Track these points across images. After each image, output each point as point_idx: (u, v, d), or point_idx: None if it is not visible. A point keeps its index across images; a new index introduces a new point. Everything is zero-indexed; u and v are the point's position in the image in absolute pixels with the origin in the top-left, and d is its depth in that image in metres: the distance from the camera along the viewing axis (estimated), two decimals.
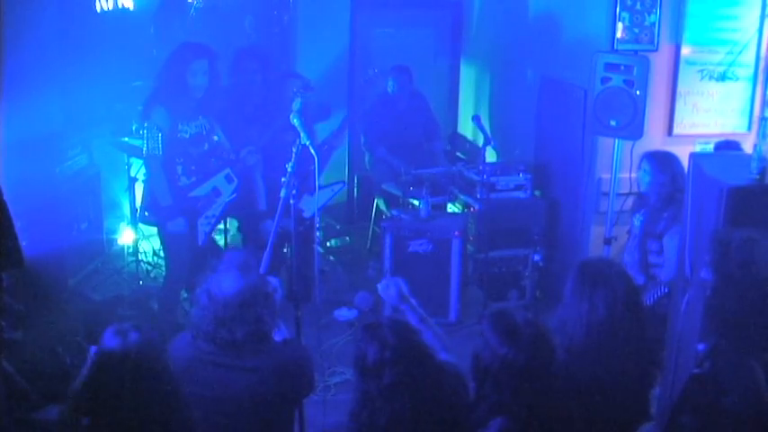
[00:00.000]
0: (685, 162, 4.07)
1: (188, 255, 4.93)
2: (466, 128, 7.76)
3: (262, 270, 3.72)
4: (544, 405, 2.60)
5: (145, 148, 4.77)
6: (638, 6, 5.24)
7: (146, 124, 4.72)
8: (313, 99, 5.30)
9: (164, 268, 6.25)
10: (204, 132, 4.92)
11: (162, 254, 6.31)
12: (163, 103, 4.73)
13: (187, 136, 4.81)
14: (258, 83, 5.69)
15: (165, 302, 5.15)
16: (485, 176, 5.79)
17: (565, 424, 2.67)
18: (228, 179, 5.02)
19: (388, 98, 6.74)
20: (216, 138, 5.01)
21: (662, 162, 4.67)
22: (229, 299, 2.85)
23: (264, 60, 5.84)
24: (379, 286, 3.34)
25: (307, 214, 5.49)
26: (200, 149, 4.90)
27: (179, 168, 4.83)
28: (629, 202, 5.21)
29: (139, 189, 5.69)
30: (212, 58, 4.81)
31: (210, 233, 5.15)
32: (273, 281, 3.22)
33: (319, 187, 5.64)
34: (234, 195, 5.08)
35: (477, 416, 2.63)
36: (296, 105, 5.07)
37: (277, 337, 3.09)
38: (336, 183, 5.96)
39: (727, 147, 5.03)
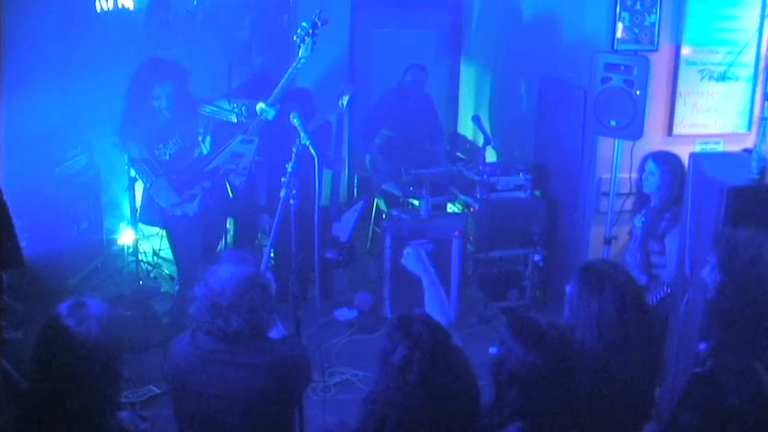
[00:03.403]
0: (685, 162, 4.08)
1: (199, 256, 4.88)
2: (466, 128, 7.77)
3: (261, 267, 3.73)
4: (563, 408, 2.60)
5: (144, 181, 4.80)
6: (638, 6, 5.24)
7: (127, 160, 4.71)
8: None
9: (163, 268, 6.27)
10: (188, 145, 4.82)
11: (162, 254, 6.33)
12: (131, 136, 4.67)
13: (167, 157, 4.74)
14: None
15: (179, 312, 4.98)
16: (485, 176, 5.80)
17: (579, 426, 2.67)
18: (246, 142, 4.85)
19: (400, 93, 6.84)
20: (203, 147, 4.90)
21: (670, 163, 4.67)
22: (226, 287, 2.85)
23: (267, 90, 5.81)
24: (402, 259, 3.49)
25: (343, 239, 5.79)
26: (188, 162, 4.82)
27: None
28: (629, 202, 5.20)
29: (139, 189, 5.69)
30: (177, 79, 4.67)
31: (246, 184, 5.03)
32: (267, 275, 3.22)
33: (344, 212, 5.79)
34: (257, 158, 4.95)
35: (496, 421, 2.62)
36: (345, 100, 5.07)
37: (275, 335, 3.09)
38: (357, 202, 6.03)
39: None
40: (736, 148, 5.11)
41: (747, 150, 5.02)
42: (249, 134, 4.84)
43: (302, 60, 4.48)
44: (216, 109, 4.82)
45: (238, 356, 2.88)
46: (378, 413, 2.54)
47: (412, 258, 3.42)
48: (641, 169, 4.82)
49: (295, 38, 4.45)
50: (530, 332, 2.65)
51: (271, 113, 4.65)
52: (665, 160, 4.70)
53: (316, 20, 4.43)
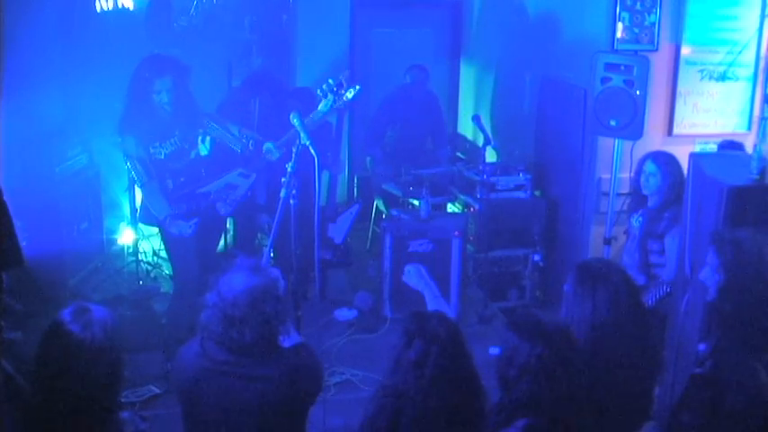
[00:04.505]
0: (685, 162, 4.07)
1: (194, 259, 4.87)
2: (466, 128, 7.77)
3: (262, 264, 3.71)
4: (568, 401, 2.61)
5: (136, 180, 4.77)
6: (638, 6, 5.24)
7: (125, 157, 4.70)
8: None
9: (163, 269, 6.27)
10: (186, 146, 4.77)
11: (162, 254, 6.32)
12: (130, 132, 4.62)
13: (162, 156, 4.69)
14: (265, 106, 5.69)
15: (175, 313, 4.94)
16: (485, 176, 5.81)
17: (581, 421, 2.68)
18: (243, 176, 4.86)
19: (402, 93, 6.86)
20: (202, 150, 4.86)
21: (670, 164, 4.67)
22: (239, 297, 2.78)
23: (268, 88, 5.78)
24: (404, 277, 3.59)
25: (338, 241, 5.79)
26: (184, 162, 4.79)
27: (170, 183, 4.74)
28: (629, 202, 5.20)
29: (139, 189, 5.69)
30: (177, 74, 4.63)
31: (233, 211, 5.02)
32: (275, 271, 3.19)
33: (340, 213, 5.80)
34: (249, 193, 4.97)
35: (500, 419, 2.63)
36: (350, 94, 5.08)
37: (287, 343, 3.01)
38: (352, 205, 6.03)
39: (731, 147, 5.03)
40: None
41: (729, 143, 5.07)
42: (248, 169, 4.87)
43: (319, 114, 4.48)
44: (223, 132, 4.83)
45: (251, 369, 2.82)
46: (391, 407, 2.55)
47: (413, 276, 3.53)
48: (639, 170, 4.81)
49: (318, 92, 4.47)
50: (532, 326, 2.67)
51: (275, 155, 4.67)
52: (666, 161, 4.69)
53: (342, 80, 4.45)
